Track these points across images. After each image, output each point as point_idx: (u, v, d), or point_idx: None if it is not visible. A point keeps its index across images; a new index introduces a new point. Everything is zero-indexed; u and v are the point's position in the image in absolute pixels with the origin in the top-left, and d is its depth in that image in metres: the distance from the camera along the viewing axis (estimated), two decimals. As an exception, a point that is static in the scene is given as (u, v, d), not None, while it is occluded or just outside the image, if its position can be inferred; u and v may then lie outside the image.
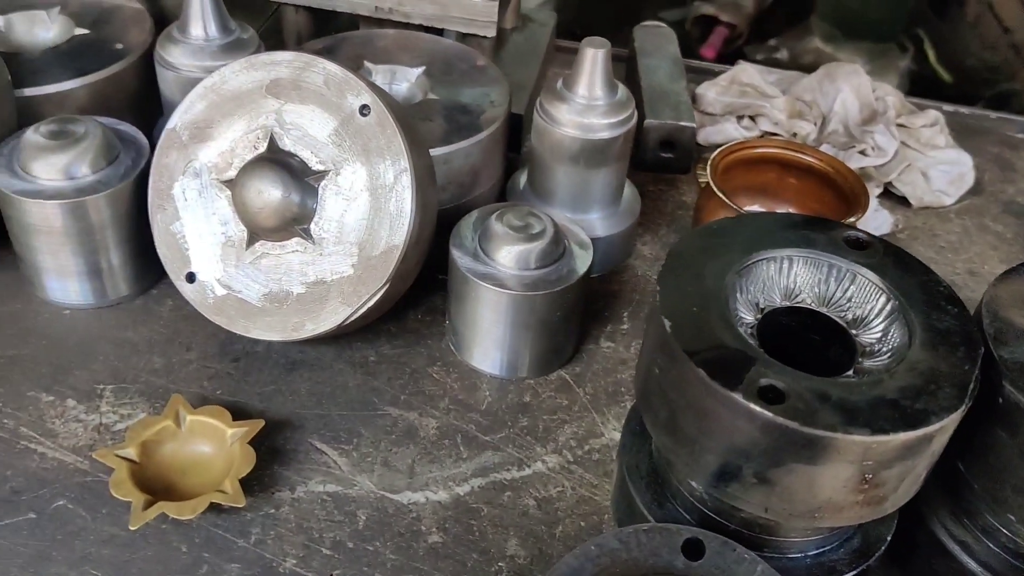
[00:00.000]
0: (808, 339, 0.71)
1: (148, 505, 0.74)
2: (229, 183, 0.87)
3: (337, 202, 0.85)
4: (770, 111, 1.21)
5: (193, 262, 0.88)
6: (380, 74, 1.04)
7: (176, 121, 0.88)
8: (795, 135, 1.20)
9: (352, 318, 0.84)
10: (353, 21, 1.21)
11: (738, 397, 0.59)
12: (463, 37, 1.16)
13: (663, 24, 1.38)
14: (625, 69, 1.39)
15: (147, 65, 1.04)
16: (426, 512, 0.79)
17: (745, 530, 0.70)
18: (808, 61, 3.20)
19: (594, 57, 0.94)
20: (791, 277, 0.72)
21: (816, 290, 0.72)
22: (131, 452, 0.78)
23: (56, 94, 0.98)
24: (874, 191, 1.16)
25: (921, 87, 3.11)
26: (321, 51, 1.06)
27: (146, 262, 0.94)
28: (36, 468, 0.79)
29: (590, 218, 1.01)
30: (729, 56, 3.36)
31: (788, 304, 0.71)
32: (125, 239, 0.92)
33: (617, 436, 0.87)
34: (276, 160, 0.85)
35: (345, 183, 0.84)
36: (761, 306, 0.71)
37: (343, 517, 0.78)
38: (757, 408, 0.59)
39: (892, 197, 1.20)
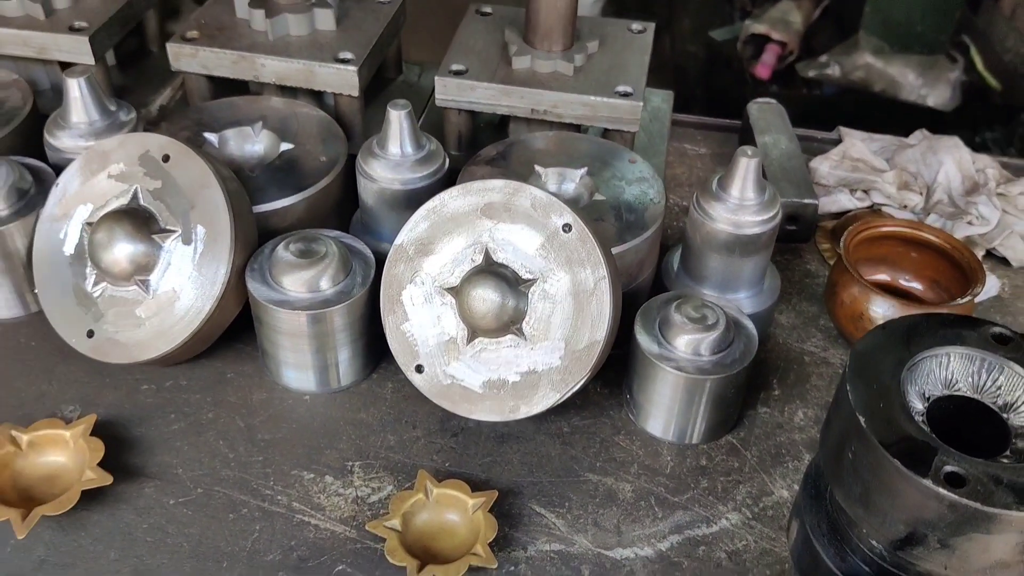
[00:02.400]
0: (965, 422, 0.86)
1: (420, 568, 0.90)
2: (451, 290, 1.03)
3: (545, 305, 1.01)
4: (881, 185, 1.35)
5: (421, 356, 1.05)
6: (551, 177, 1.20)
7: (403, 238, 1.05)
8: (905, 206, 1.34)
9: (560, 402, 1.01)
10: (496, 120, 1.37)
11: (928, 483, 0.75)
12: (605, 132, 1.32)
13: (773, 101, 1.53)
14: (739, 139, 1.54)
15: (346, 174, 1.22)
16: (637, 566, 0.95)
17: (919, 580, 0.85)
18: (859, 77, 3.32)
19: (747, 165, 1.09)
20: (949, 369, 0.87)
21: (970, 380, 0.87)
22: (396, 523, 0.95)
23: (281, 209, 1.16)
24: (978, 255, 1.30)
25: (972, 97, 3.22)
26: (495, 156, 1.22)
27: (369, 354, 1.12)
28: (314, 538, 0.96)
29: (738, 297, 1.17)
30: (782, 74, 3.49)
31: (948, 393, 0.87)
32: (355, 338, 1.09)
33: (784, 494, 1.02)
34: (492, 271, 1.02)
35: (551, 289, 1.01)
36: (927, 395, 0.86)
37: (570, 572, 0.95)
38: (944, 492, 0.74)
39: (993, 258, 1.34)
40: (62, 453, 1.01)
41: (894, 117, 3.13)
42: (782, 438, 1.08)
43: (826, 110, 3.26)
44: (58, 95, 1.44)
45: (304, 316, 1.05)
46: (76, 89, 1.19)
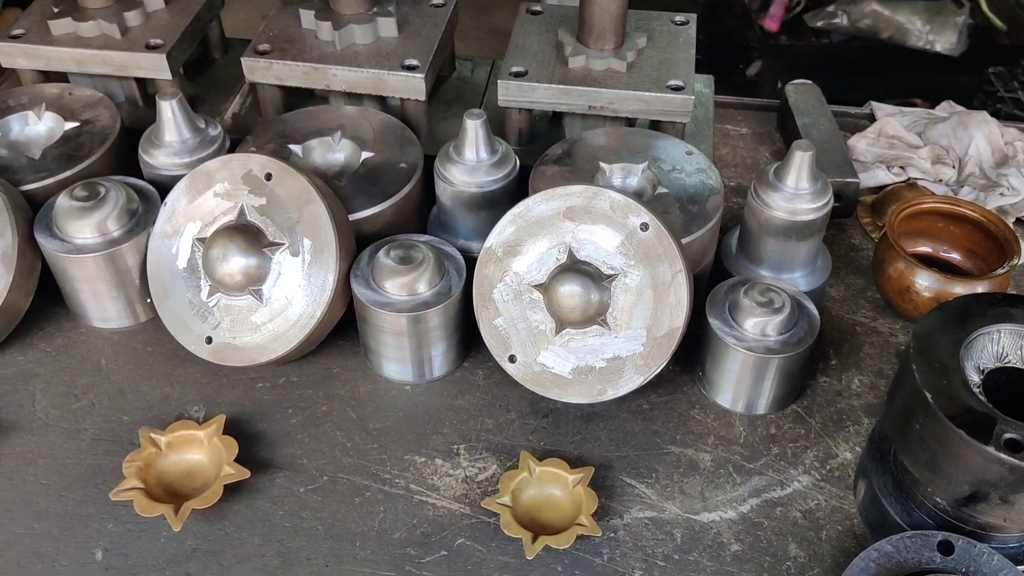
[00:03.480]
0: (1017, 389, 0.97)
1: (533, 540, 1.02)
2: (539, 287, 1.14)
3: (627, 297, 1.11)
4: (917, 161, 1.45)
5: (514, 347, 1.15)
6: (615, 173, 1.29)
7: (491, 241, 1.15)
8: (940, 180, 1.44)
9: (643, 384, 1.12)
10: (549, 114, 1.46)
11: (991, 449, 0.86)
12: (654, 124, 1.41)
13: (809, 82, 1.61)
14: (777, 118, 1.63)
15: (424, 177, 1.31)
16: (723, 527, 1.07)
17: (979, 530, 0.97)
18: (866, 24, 3.39)
19: (802, 158, 1.18)
20: (1000, 344, 0.98)
21: (1019, 352, 0.98)
22: (507, 499, 1.06)
23: (371, 216, 1.25)
24: (1009, 222, 1.40)
25: (978, 39, 3.28)
26: (561, 155, 1.31)
27: (461, 346, 1.23)
28: (433, 516, 1.08)
29: (794, 277, 1.27)
30: (790, 25, 3.54)
31: (1000, 365, 0.97)
32: (449, 334, 1.20)
33: (848, 456, 1.14)
34: (577, 269, 1.12)
35: (632, 283, 1.11)
36: (981, 368, 0.97)
37: (664, 536, 1.06)
38: (1005, 456, 0.86)
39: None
40: (198, 451, 1.12)
41: (902, 63, 3.20)
42: (842, 404, 1.20)
43: (834, 57, 3.33)
44: (133, 107, 1.54)
45: (405, 317, 1.15)
46: (169, 111, 1.28)
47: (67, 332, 1.28)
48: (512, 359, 1.16)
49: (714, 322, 1.15)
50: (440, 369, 1.23)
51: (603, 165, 1.29)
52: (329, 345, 1.24)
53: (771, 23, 3.38)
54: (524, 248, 1.15)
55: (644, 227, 1.10)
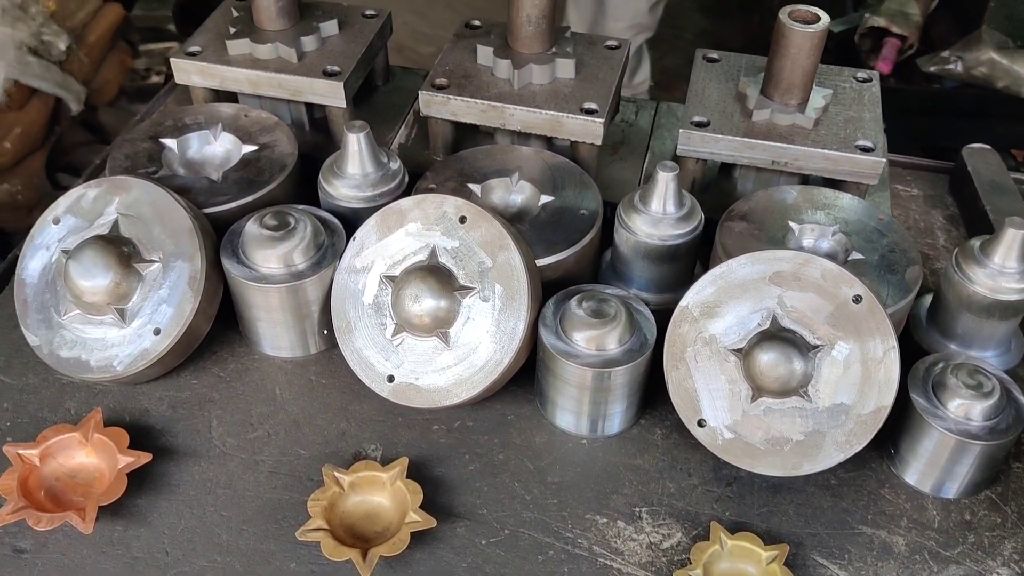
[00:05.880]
0: None
1: (731, 618, 0.99)
2: (737, 351, 1.10)
3: (832, 371, 1.08)
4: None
5: (704, 411, 1.12)
6: (805, 234, 1.26)
7: (688, 300, 1.12)
8: None
9: (842, 462, 1.08)
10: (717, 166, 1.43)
11: None
12: (830, 181, 1.37)
13: (988, 146, 1.56)
14: (949, 181, 1.58)
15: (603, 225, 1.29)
16: (924, 619, 1.02)
17: None
18: (981, 73, 3.31)
19: (1014, 236, 1.14)
20: None
21: None
22: (699, 572, 1.03)
23: (556, 263, 1.23)
24: None
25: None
26: (747, 211, 1.28)
27: (641, 404, 1.20)
28: (619, 581, 1.05)
29: (986, 355, 1.22)
30: (901, 66, 3.47)
31: None
32: (632, 392, 1.17)
33: (1051, 551, 1.08)
34: (781, 337, 1.08)
35: (839, 356, 1.07)
36: None
37: (861, 623, 1.02)
38: None
39: None
40: (381, 493, 1.10)
41: (1017, 113, 3.13)
42: (1038, 494, 1.14)
43: (946, 103, 3.26)
44: (300, 130, 1.55)
45: (591, 373, 1.12)
46: (356, 143, 1.27)
47: (240, 358, 1.28)
48: (701, 423, 1.12)
49: (916, 399, 1.11)
50: (617, 426, 1.20)
51: (792, 225, 1.26)
52: (503, 390, 1.22)
53: (883, 65, 3.32)
54: (723, 310, 1.11)
55: (857, 299, 1.06)
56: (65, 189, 1.16)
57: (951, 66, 3.26)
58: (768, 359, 1.08)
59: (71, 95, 3.28)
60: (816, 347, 1.08)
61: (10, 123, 3.13)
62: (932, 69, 3.23)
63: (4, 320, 1.30)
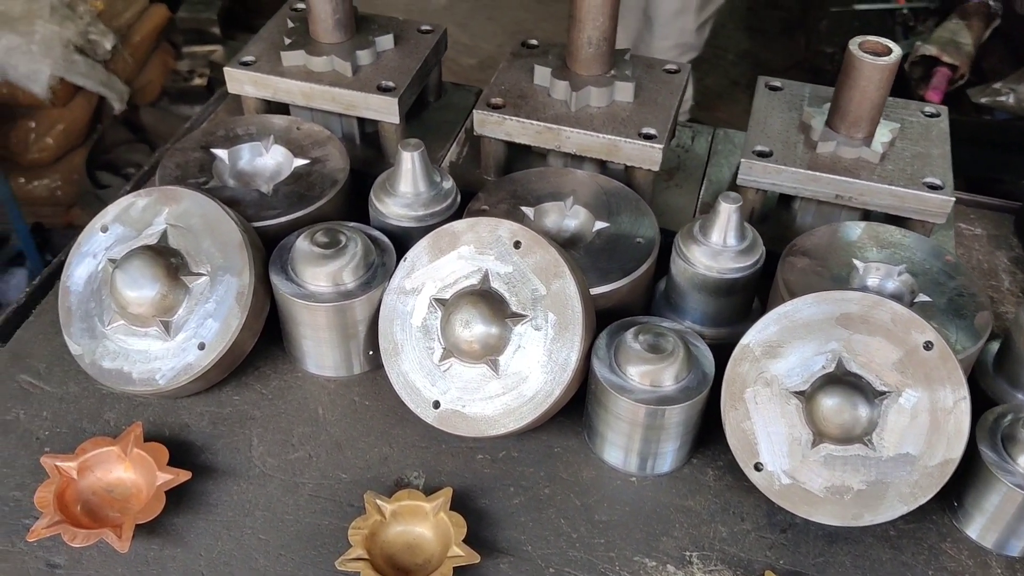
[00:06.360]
0: None
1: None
2: (799, 394, 1.06)
3: (899, 419, 1.03)
4: None
5: (762, 455, 1.08)
6: (870, 273, 1.21)
7: (750, 339, 1.08)
8: None
9: (906, 514, 1.03)
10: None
11: None
12: (893, 217, 1.33)
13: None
14: (1015, 221, 1.53)
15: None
16: None
17: None
18: (1035, 106, 3.23)
19: (1095, 285, 1.09)
20: None
21: None
22: (754, 624, 0.99)
23: (610, 292, 1.20)
24: None
25: None
26: (810, 247, 1.24)
27: (693, 443, 1.16)
28: (669, 628, 1.01)
29: (1057, 405, 1.17)
30: (951, 97, 3.41)
31: None
32: (686, 431, 1.13)
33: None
34: (846, 381, 1.04)
35: (907, 404, 1.03)
36: None
37: None
38: None
39: None
40: (423, 524, 1.07)
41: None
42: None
43: (996, 135, 3.20)
44: (351, 144, 1.52)
45: (645, 409, 1.09)
46: (410, 161, 1.24)
47: (283, 375, 1.25)
48: (758, 467, 1.08)
49: (985, 452, 1.06)
50: (668, 465, 1.16)
51: (857, 263, 1.22)
52: (550, 420, 1.18)
53: (933, 95, 3.26)
54: (786, 350, 1.07)
55: (928, 346, 1.02)
56: (105, 187, 1.16)
57: (1003, 98, 3.20)
58: (832, 404, 1.03)
59: (114, 94, 3.30)
60: (883, 394, 1.04)
61: (53, 119, 3.15)
62: (983, 100, 3.17)
63: (47, 326, 1.29)
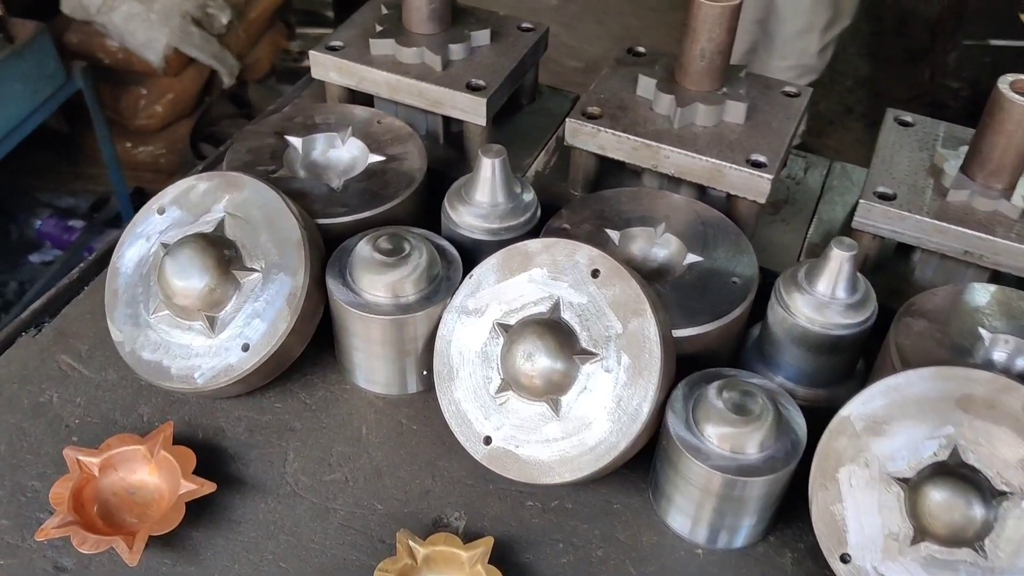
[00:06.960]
0: None
1: None
2: (903, 481, 0.92)
3: (1019, 526, 0.87)
4: None
5: (850, 545, 0.93)
6: (998, 345, 1.05)
7: (850, 410, 0.94)
8: None
9: (1017, 636, 0.87)
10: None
11: None
12: (1021, 281, 1.16)
13: None
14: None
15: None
16: None
17: None
18: None
19: None
20: None
21: None
22: None
23: (696, 336, 1.07)
24: None
25: None
26: (931, 309, 1.08)
27: (773, 519, 1.02)
28: None
29: None
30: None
31: None
32: (766, 506, 0.99)
33: None
34: (961, 474, 0.89)
35: (1033, 510, 0.87)
36: None
37: None
38: None
39: None
40: (457, 575, 0.96)
41: None
42: None
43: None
44: (433, 143, 1.43)
45: (722, 478, 0.95)
46: (489, 169, 1.14)
47: (330, 385, 1.16)
48: (845, 559, 0.94)
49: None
50: (741, 540, 1.03)
51: (983, 333, 1.06)
52: (612, 472, 1.06)
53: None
54: (892, 429, 0.93)
55: (1065, 445, 0.86)
56: (205, 159, 1.10)
57: None
58: (942, 498, 0.89)
59: (225, 68, 3.31)
60: (1002, 494, 0.88)
61: (164, 88, 3.18)
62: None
63: (97, 305, 1.22)
